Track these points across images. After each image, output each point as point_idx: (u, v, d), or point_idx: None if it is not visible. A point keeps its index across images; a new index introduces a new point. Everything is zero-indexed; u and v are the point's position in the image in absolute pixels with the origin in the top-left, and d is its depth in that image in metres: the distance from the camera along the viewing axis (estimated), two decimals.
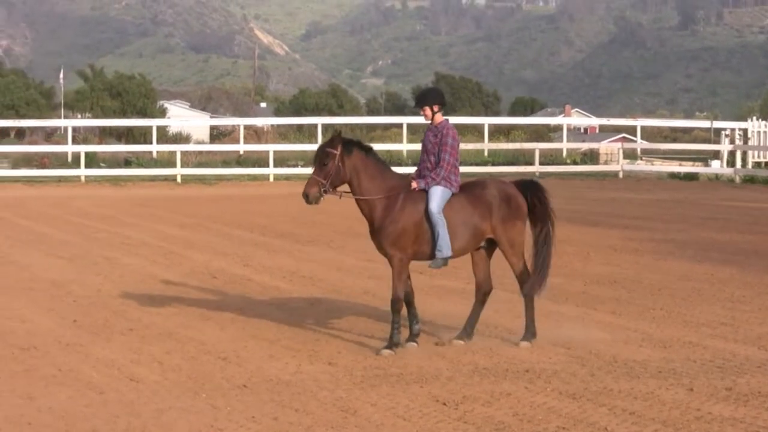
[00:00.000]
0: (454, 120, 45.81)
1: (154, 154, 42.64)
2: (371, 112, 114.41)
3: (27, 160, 42.40)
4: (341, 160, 10.96)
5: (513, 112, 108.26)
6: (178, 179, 38.91)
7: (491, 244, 11.39)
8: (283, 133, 56.52)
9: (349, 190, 11.16)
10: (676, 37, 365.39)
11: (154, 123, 49.94)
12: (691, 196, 32.58)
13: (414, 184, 11.09)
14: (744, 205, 29.68)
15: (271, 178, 39.44)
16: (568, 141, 48.60)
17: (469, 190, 11.29)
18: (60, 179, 38.94)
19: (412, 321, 11.31)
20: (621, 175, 40.98)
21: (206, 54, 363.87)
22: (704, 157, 50.15)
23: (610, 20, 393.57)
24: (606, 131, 79.84)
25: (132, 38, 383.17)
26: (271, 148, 41.40)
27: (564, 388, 9.38)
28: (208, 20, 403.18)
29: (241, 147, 43.82)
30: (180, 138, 64.04)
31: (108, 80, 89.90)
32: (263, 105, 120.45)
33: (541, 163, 41.07)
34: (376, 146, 12.31)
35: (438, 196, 10.99)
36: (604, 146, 50.95)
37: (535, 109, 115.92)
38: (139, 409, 8.82)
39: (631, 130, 56.32)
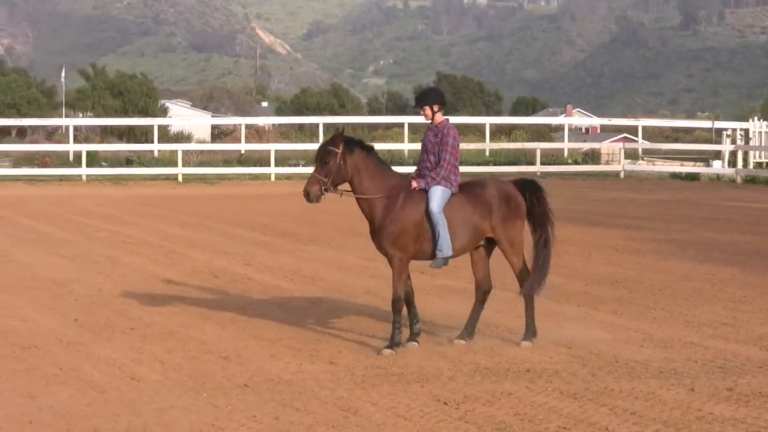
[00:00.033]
0: (455, 120, 45.85)
1: (156, 154, 42.65)
2: (373, 112, 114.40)
3: (28, 159, 42.41)
4: (343, 159, 10.97)
5: (514, 112, 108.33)
6: (180, 178, 38.92)
7: (490, 243, 11.40)
8: (284, 133, 56.51)
9: (349, 188, 11.16)
10: (677, 37, 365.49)
11: (155, 122, 49.90)
12: (692, 197, 32.58)
13: (414, 184, 11.09)
14: (745, 205, 29.67)
15: (273, 178, 39.44)
16: (569, 141, 48.57)
17: (469, 189, 11.30)
18: (61, 178, 38.94)
19: (412, 320, 11.31)
20: (622, 175, 40.98)
21: (208, 53, 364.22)
22: (706, 158, 50.17)
23: (611, 20, 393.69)
24: (607, 131, 79.85)
25: (134, 37, 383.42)
26: (273, 147, 41.39)
27: (565, 388, 9.38)
28: (209, 19, 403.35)
29: (243, 146, 43.82)
30: (181, 137, 63.97)
31: (109, 79, 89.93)
32: (265, 104, 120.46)
33: (542, 163, 41.06)
34: (378, 146, 12.29)
35: (438, 195, 11.00)
36: (606, 146, 50.97)
37: (536, 109, 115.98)
38: (141, 408, 8.82)
39: (633, 130, 56.38)
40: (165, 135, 60.69)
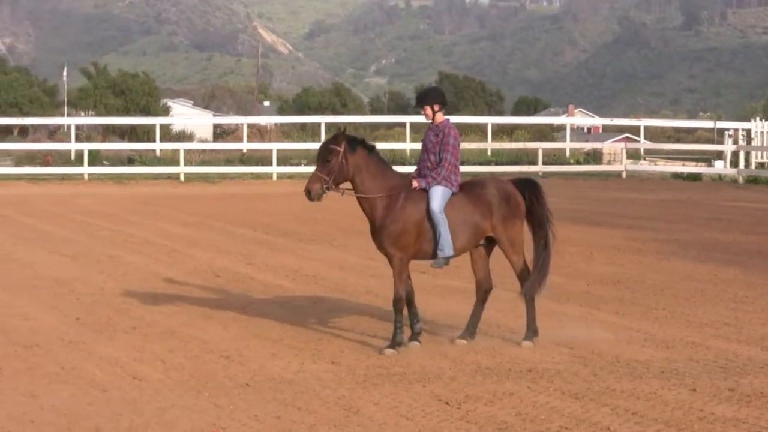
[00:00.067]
0: (457, 119, 45.92)
1: (158, 153, 42.67)
2: (375, 111, 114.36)
3: (30, 158, 42.43)
4: (345, 158, 10.97)
5: (516, 112, 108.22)
6: (182, 177, 38.94)
7: (489, 242, 11.41)
8: (286, 132, 56.52)
9: (350, 187, 11.16)
10: (679, 37, 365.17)
11: (157, 121, 49.87)
12: (694, 197, 32.58)
13: (415, 183, 11.09)
14: (747, 205, 29.68)
15: (274, 177, 39.46)
16: (571, 141, 48.59)
17: (469, 189, 11.31)
18: (63, 177, 38.95)
19: (413, 320, 11.31)
20: (624, 175, 40.98)
21: (210, 52, 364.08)
22: (707, 158, 50.17)
23: (613, 20, 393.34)
24: (609, 131, 79.76)
25: (135, 36, 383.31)
26: (275, 146, 41.41)
27: (567, 388, 9.38)
28: (211, 18, 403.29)
29: (245, 145, 43.83)
30: (183, 136, 64.05)
31: (111, 78, 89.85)
32: (266, 104, 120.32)
33: (544, 163, 41.06)
34: (380, 145, 12.26)
35: (439, 195, 11.00)
36: (608, 146, 50.92)
37: (538, 109, 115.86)
38: (142, 408, 8.82)
39: (635, 130, 56.36)
40: (167, 134, 60.64)
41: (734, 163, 42.17)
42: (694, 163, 48.80)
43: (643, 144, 48.69)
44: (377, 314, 12.75)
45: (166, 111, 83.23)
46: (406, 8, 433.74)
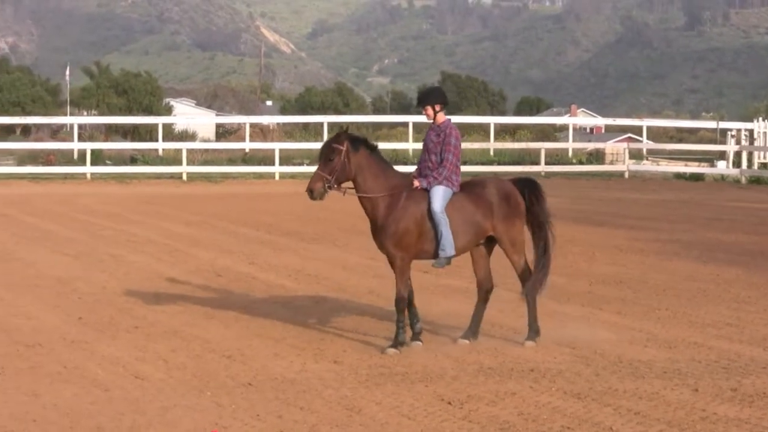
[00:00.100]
0: (459, 119, 45.98)
1: (160, 152, 42.66)
2: (377, 111, 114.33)
3: (33, 157, 42.42)
4: (347, 157, 10.96)
5: (519, 112, 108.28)
6: (184, 177, 38.94)
7: (489, 242, 11.41)
8: (288, 132, 56.58)
9: (352, 187, 11.16)
10: (682, 37, 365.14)
11: (159, 120, 49.91)
12: (696, 197, 32.56)
13: (416, 183, 11.10)
14: (750, 205, 29.66)
15: (277, 177, 39.45)
16: (573, 141, 48.62)
17: (469, 189, 11.32)
18: (66, 176, 38.95)
19: (412, 320, 11.31)
20: (627, 175, 40.95)
21: (212, 52, 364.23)
22: (710, 158, 50.18)
23: (616, 20, 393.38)
24: (612, 131, 79.75)
25: (138, 35, 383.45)
26: (277, 146, 41.40)
27: (569, 388, 9.38)
28: (214, 18, 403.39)
29: (247, 145, 43.82)
30: (186, 136, 63.98)
31: (114, 77, 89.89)
32: (269, 103, 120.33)
33: (546, 163, 41.03)
34: (382, 145, 12.29)
35: (440, 195, 11.01)
36: (610, 146, 50.91)
37: (541, 109, 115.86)
38: (144, 407, 8.82)
39: (637, 130, 56.37)
40: (169, 133, 60.61)
41: (737, 163, 42.13)
42: (696, 164, 48.80)
43: (646, 144, 48.68)
44: (379, 314, 12.75)
45: (168, 110, 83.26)
46: (409, 8, 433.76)
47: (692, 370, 10.07)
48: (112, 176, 38.93)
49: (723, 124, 51.50)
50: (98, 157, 40.69)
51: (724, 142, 47.27)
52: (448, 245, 10.96)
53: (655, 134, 66.83)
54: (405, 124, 49.93)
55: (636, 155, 46.39)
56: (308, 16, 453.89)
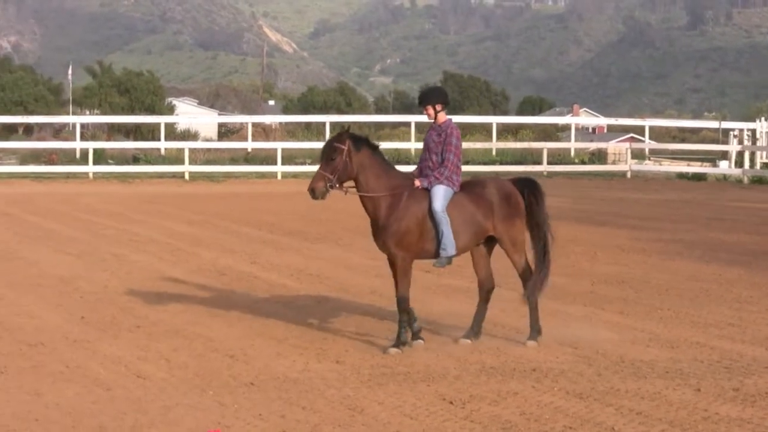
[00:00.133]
0: (461, 119, 45.99)
1: (162, 151, 42.67)
2: (379, 111, 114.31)
3: (35, 157, 42.44)
4: (349, 156, 10.96)
5: (521, 112, 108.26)
6: (186, 176, 38.94)
7: (490, 241, 11.41)
8: (291, 131, 56.53)
9: (354, 186, 11.15)
10: (684, 37, 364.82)
11: (162, 120, 49.93)
12: (699, 197, 32.54)
13: (417, 183, 11.10)
14: (752, 205, 29.64)
15: (279, 176, 39.44)
16: (576, 141, 48.50)
17: (470, 188, 11.33)
18: (68, 176, 38.95)
19: (411, 320, 11.30)
20: (629, 175, 40.93)
21: (214, 51, 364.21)
22: (712, 158, 50.16)
23: (619, 20, 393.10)
24: (614, 131, 79.74)
25: (140, 35, 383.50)
26: (279, 145, 41.38)
27: (571, 388, 9.38)
28: (216, 17, 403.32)
29: (249, 144, 43.84)
30: (188, 135, 64.00)
31: (116, 77, 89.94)
32: (271, 103, 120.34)
33: (549, 163, 41.01)
34: (384, 144, 12.32)
35: (441, 195, 11.01)
36: (613, 146, 50.91)
37: (543, 109, 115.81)
38: (146, 406, 8.83)
39: (640, 130, 56.28)
40: (172, 133, 60.63)
41: (739, 163, 42.11)
42: (698, 163, 48.76)
43: (648, 144, 48.66)
44: (382, 314, 12.75)
45: (170, 110, 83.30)
46: (411, 8, 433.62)
47: (694, 370, 10.07)
48: (115, 175, 38.93)
49: (725, 124, 51.44)
50: (100, 157, 40.69)
51: (726, 142, 47.26)
52: (449, 245, 10.96)
53: (658, 134, 66.80)
54: (407, 124, 49.92)
55: (638, 155, 46.38)
56: (310, 15, 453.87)
